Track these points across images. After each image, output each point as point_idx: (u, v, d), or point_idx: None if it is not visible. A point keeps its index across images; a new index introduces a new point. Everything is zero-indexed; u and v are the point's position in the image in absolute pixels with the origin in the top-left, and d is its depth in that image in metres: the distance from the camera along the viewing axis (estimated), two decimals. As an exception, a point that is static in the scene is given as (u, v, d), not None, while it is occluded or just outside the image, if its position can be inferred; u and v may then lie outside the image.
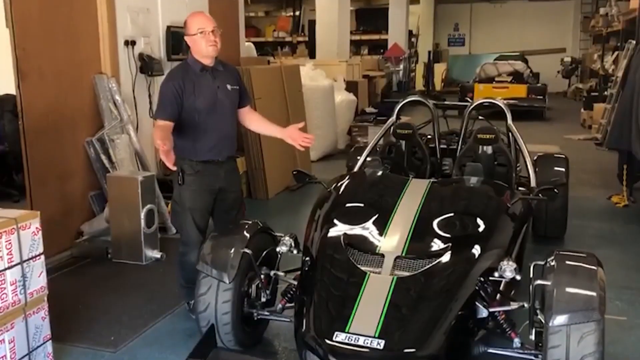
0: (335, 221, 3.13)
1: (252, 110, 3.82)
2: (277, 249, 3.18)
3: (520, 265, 3.02)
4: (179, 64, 3.61)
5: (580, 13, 20.17)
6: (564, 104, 16.45)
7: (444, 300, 2.61)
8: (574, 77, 18.99)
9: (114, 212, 4.67)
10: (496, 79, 14.54)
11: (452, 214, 3.10)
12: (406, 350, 2.41)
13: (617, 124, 6.31)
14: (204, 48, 3.39)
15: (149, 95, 5.54)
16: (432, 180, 3.63)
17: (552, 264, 2.66)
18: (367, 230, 3.04)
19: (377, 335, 2.41)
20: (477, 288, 2.72)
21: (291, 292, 3.11)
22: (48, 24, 4.52)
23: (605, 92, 10.70)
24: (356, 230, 3.05)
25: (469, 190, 3.57)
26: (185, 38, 3.47)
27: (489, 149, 4.41)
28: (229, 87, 3.53)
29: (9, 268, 2.73)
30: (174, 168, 3.15)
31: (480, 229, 3.01)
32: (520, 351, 2.71)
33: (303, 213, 3.61)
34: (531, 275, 2.70)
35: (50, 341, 3.03)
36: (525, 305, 2.72)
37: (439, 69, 19.89)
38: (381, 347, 2.37)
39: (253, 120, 3.79)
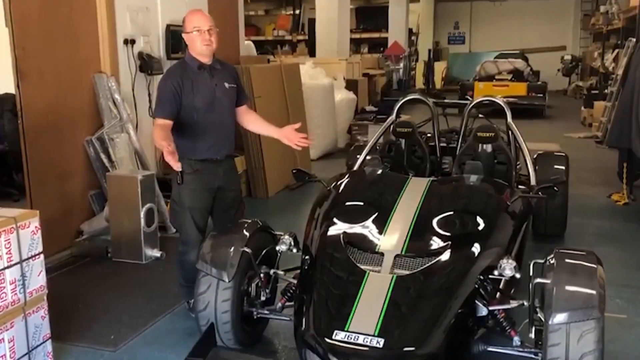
0: (335, 220, 3.13)
1: (249, 109, 3.81)
2: (277, 248, 3.18)
3: (520, 264, 3.02)
4: (176, 62, 3.61)
5: (581, 11, 20.16)
6: (564, 102, 16.44)
7: (444, 298, 2.61)
8: (574, 75, 18.98)
9: (113, 211, 4.67)
10: (496, 77, 14.55)
11: (451, 213, 3.10)
12: (406, 349, 2.41)
13: (618, 122, 6.30)
14: (198, 47, 3.40)
15: (149, 94, 5.54)
16: (431, 178, 3.63)
17: (552, 262, 2.66)
18: (367, 228, 3.04)
19: (376, 334, 2.41)
20: (476, 286, 2.72)
21: (291, 291, 3.11)
22: (47, 24, 4.52)
23: (606, 90, 10.69)
24: (356, 228, 3.05)
25: (468, 188, 3.57)
26: (183, 35, 3.48)
27: (488, 147, 4.41)
28: (226, 85, 3.53)
29: (8, 267, 2.73)
30: (179, 168, 3.14)
31: (480, 228, 3.01)
32: (520, 349, 2.70)
33: (303, 212, 3.61)
34: (531, 274, 2.70)
35: (50, 340, 3.03)
36: (525, 303, 2.71)
37: (439, 68, 19.88)
38: (381, 346, 2.37)
39: (250, 120, 3.78)
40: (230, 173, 3.66)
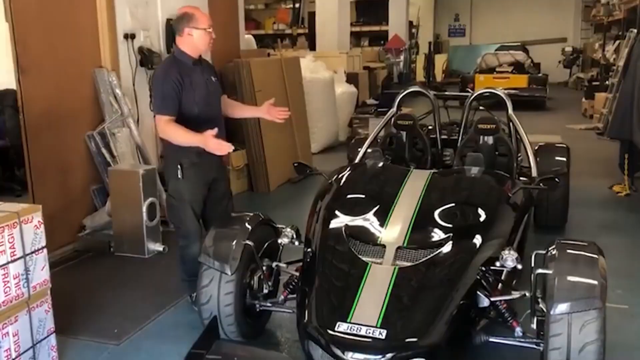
0: (337, 212, 3.14)
1: (226, 98, 3.91)
2: (279, 241, 3.19)
3: (522, 255, 3.03)
4: (168, 59, 3.66)
5: (582, 2, 20.06)
6: (565, 93, 16.40)
7: (446, 290, 2.62)
8: (575, 66, 18.92)
9: (115, 206, 4.69)
10: (497, 69, 14.51)
11: (453, 204, 3.11)
12: (408, 340, 2.42)
13: (619, 114, 6.29)
14: (204, 45, 3.48)
15: (150, 89, 5.53)
16: (432, 171, 3.63)
17: (554, 252, 2.67)
18: (369, 221, 3.05)
19: (379, 325, 2.42)
20: (478, 277, 2.73)
21: (293, 284, 3.12)
22: (47, 19, 4.51)
23: (607, 82, 10.66)
24: (357, 221, 3.05)
25: (470, 180, 3.57)
26: (188, 30, 3.42)
27: (489, 139, 4.40)
28: (213, 79, 3.62)
29: (11, 262, 2.74)
30: (231, 147, 3.22)
31: (482, 219, 3.02)
32: (522, 340, 2.72)
33: (305, 205, 3.61)
34: (532, 265, 2.71)
35: (54, 334, 3.05)
36: (527, 294, 2.72)
37: (440, 60, 19.81)
38: (383, 337, 2.39)
39: (231, 107, 3.88)
40: (221, 164, 3.75)
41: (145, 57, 5.39)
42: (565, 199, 4.92)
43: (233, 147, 3.24)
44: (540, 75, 14.37)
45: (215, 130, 3.20)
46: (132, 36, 5.30)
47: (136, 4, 5.35)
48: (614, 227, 5.24)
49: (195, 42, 3.45)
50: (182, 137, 3.32)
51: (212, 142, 3.19)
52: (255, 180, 6.62)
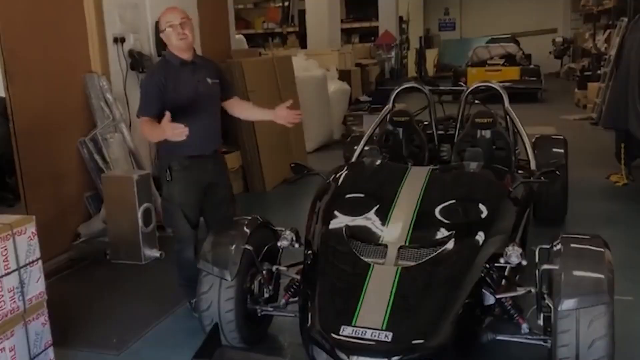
0: (336, 213, 3.09)
1: (240, 100, 3.82)
2: (279, 244, 3.14)
3: (524, 250, 2.99)
4: (158, 60, 3.64)
5: (570, -8, 20.09)
6: (557, 84, 16.40)
7: (450, 288, 2.58)
8: (566, 57, 18.94)
9: (110, 213, 4.62)
10: (488, 62, 14.48)
11: (454, 201, 3.06)
12: (414, 342, 2.38)
13: (613, 103, 6.28)
14: (174, 42, 3.39)
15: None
16: (431, 167, 3.58)
17: (558, 247, 2.63)
18: (369, 220, 3.01)
19: (384, 328, 2.38)
20: (482, 275, 2.69)
21: (294, 287, 3.07)
22: (35, 24, 4.44)
23: (599, 71, 10.66)
24: (358, 221, 3.01)
25: (469, 176, 3.53)
26: (160, 35, 3.48)
27: (487, 133, 4.36)
28: (209, 80, 3.52)
29: (5, 275, 2.68)
30: (186, 131, 3.04)
31: (484, 215, 2.98)
32: (529, 337, 2.68)
33: (302, 205, 3.57)
34: (537, 260, 2.67)
35: (52, 347, 2.99)
36: (532, 290, 2.68)
37: (431, 55, 19.78)
38: (389, 340, 2.34)
39: (243, 109, 3.79)
40: (219, 168, 3.65)
41: (136, 61, 5.32)
42: (564, 191, 4.89)
43: (187, 131, 3.04)
44: (532, 66, 14.36)
45: (168, 114, 3.04)
46: (122, 40, 5.22)
47: (125, 6, 5.27)
48: (614, 217, 5.21)
49: (167, 42, 3.42)
50: (149, 134, 3.32)
51: (168, 129, 3.05)
52: (251, 181, 6.57)
